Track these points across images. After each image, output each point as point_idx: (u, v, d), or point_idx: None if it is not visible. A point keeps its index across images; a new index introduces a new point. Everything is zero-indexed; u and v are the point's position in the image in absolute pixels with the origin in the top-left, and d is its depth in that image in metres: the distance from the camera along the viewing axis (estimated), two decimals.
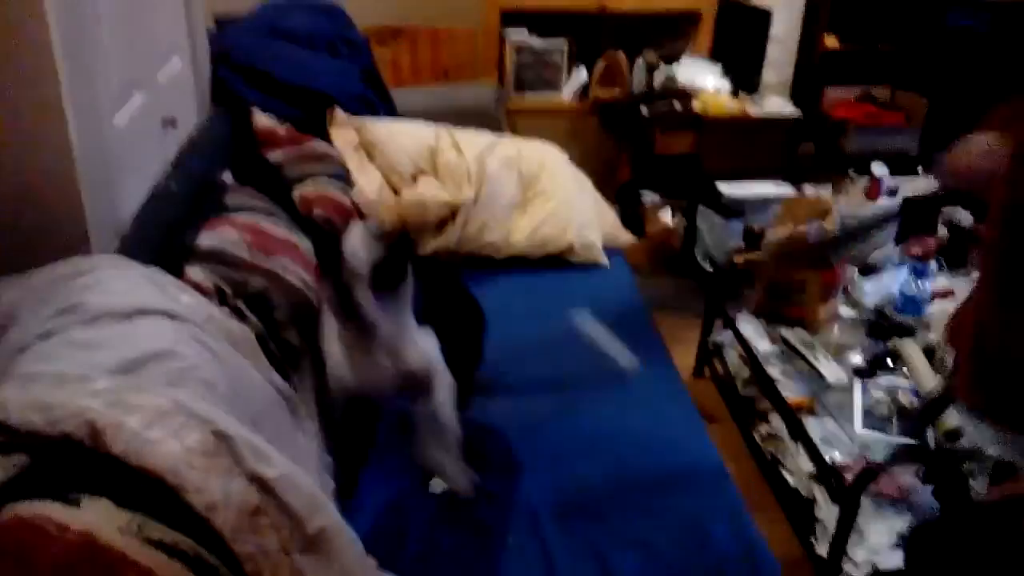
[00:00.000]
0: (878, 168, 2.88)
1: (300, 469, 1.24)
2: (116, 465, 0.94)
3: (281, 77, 2.42)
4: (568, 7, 3.79)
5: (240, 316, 1.47)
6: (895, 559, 1.84)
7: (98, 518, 0.89)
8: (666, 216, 3.55)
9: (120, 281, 1.24)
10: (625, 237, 2.76)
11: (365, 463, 1.69)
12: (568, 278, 2.54)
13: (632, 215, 3.68)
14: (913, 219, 2.88)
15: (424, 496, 1.60)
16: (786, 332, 2.24)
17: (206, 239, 1.59)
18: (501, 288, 2.35)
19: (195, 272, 1.47)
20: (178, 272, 1.46)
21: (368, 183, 2.43)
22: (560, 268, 2.57)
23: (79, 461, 0.94)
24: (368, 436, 1.75)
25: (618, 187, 3.84)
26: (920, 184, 3.20)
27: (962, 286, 2.35)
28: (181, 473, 0.96)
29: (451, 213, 2.50)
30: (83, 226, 1.40)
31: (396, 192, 2.52)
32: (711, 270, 3.24)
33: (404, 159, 2.54)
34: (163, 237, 1.60)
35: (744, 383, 2.45)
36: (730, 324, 2.45)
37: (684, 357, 2.71)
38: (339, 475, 1.55)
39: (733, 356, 2.54)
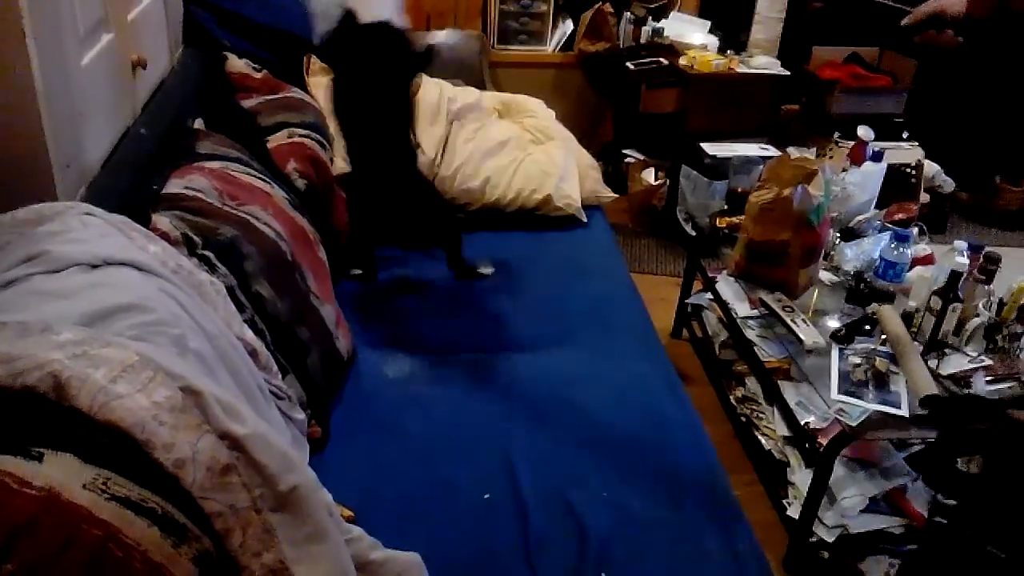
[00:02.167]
0: (864, 132, 2.86)
1: (271, 427, 1.22)
2: (81, 419, 0.91)
3: (257, 19, 2.35)
4: None
5: (210, 267, 1.43)
6: (865, 522, 1.87)
7: (61, 473, 0.86)
8: (649, 175, 3.52)
9: (86, 229, 1.19)
10: (606, 193, 2.73)
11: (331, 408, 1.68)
12: (546, 236, 2.51)
13: (615, 173, 3.65)
14: (895, 184, 2.88)
15: (399, 449, 1.59)
16: (765, 295, 2.22)
17: (175, 186, 1.55)
18: (477, 245, 2.32)
19: (163, 221, 1.42)
20: (146, 220, 1.42)
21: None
22: (538, 225, 2.54)
23: (42, 415, 0.91)
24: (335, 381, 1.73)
25: (602, 145, 3.79)
26: (905, 150, 3.20)
27: (943, 251, 2.34)
28: (149, 429, 0.93)
29: None
30: (48, 170, 1.35)
31: None
32: (693, 232, 3.22)
33: None
34: (132, 183, 1.55)
35: (722, 345, 2.45)
36: (710, 286, 2.44)
37: (663, 318, 2.71)
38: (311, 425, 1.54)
39: (712, 318, 2.53)
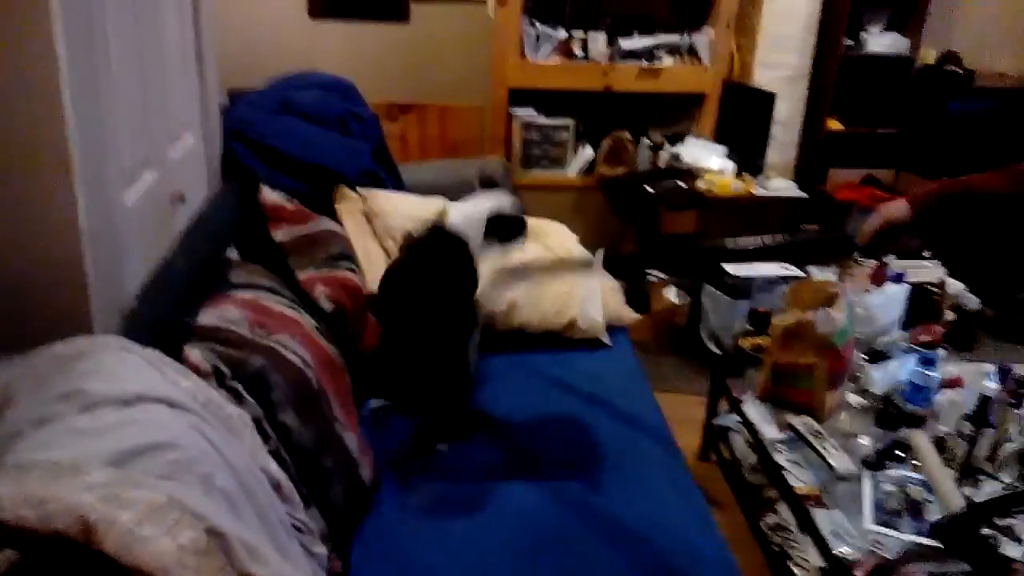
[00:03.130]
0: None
1: (293, 568, 1.22)
2: (107, 563, 0.92)
3: (291, 153, 2.45)
4: (575, 87, 3.86)
5: (238, 398, 1.45)
6: None
7: None
8: (671, 294, 3.55)
9: (120, 366, 1.23)
10: (629, 315, 2.75)
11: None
12: (570, 356, 2.52)
13: (637, 292, 3.68)
14: (919, 304, 2.87)
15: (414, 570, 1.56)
16: (793, 419, 2.20)
17: (207, 317, 1.59)
18: (502, 365, 2.34)
19: (194, 353, 1.46)
20: (179, 351, 1.45)
21: (371, 264, 2.43)
22: (561, 346, 2.56)
23: (71, 557, 0.91)
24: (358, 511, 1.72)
25: (622, 265, 3.85)
26: (927, 270, 3.21)
27: (971, 374, 2.32)
28: (173, 573, 0.93)
29: None
30: (87, 305, 1.39)
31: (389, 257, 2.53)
32: (717, 350, 3.22)
33: (402, 224, 2.56)
34: (166, 314, 1.59)
35: (750, 469, 2.41)
36: (736, 408, 2.42)
37: (689, 439, 2.68)
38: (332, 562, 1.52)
39: (739, 441, 2.50)
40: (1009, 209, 1.64)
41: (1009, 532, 1.81)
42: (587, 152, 4.01)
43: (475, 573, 1.59)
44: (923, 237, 1.98)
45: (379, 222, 2.57)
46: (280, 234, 2.18)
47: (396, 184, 2.89)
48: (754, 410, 2.33)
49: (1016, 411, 2.01)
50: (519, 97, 3.89)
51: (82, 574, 0.91)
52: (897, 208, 1.76)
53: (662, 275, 3.72)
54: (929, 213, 1.72)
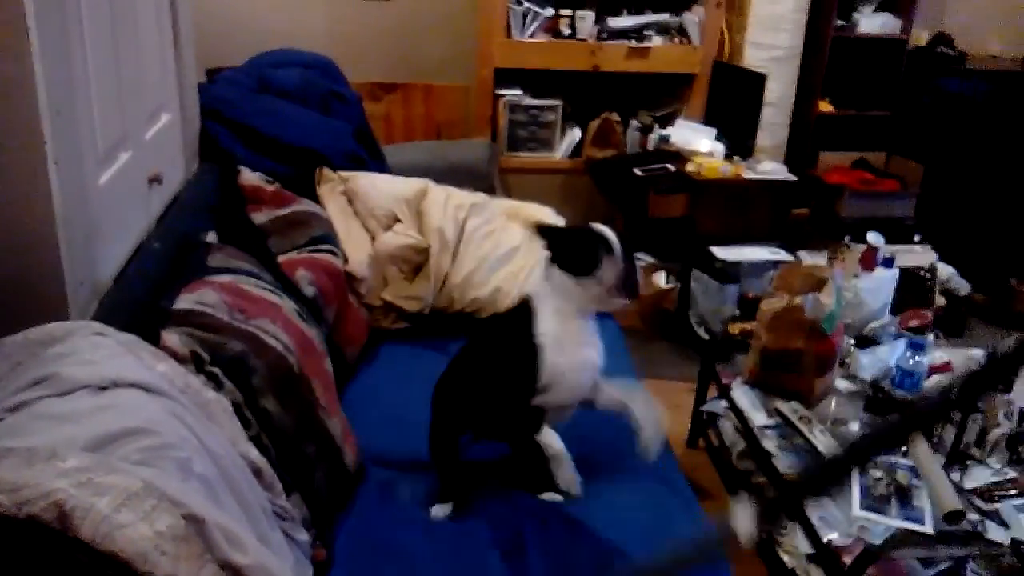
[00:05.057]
0: (873, 238, 2.87)
1: (274, 554, 1.19)
2: (83, 549, 0.90)
3: (271, 133, 2.41)
4: (562, 67, 3.82)
5: (217, 384, 1.42)
6: None
7: None
8: (660, 279, 3.53)
9: (95, 350, 1.19)
10: (616, 301, 2.71)
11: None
12: None
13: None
14: (909, 288, 2.87)
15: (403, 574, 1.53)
16: (781, 404, 2.19)
17: (185, 301, 1.55)
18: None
19: (171, 337, 1.42)
20: (155, 336, 1.42)
21: (354, 245, 2.40)
22: None
23: (46, 544, 0.89)
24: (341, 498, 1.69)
25: None
26: (917, 253, 3.20)
27: (959, 358, 2.31)
28: (151, 560, 0.92)
29: (421, 258, 2.48)
30: (62, 288, 1.36)
31: (373, 239, 2.50)
32: (705, 336, 3.20)
33: (382, 204, 2.53)
34: (143, 298, 1.56)
35: (739, 456, 2.39)
36: (724, 394, 2.40)
37: (678, 426, 2.66)
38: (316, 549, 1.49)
39: (728, 427, 2.49)
40: None
41: (995, 516, 1.81)
42: (575, 134, 3.97)
43: (460, 563, 1.57)
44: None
45: (362, 204, 2.53)
46: (260, 216, 2.14)
47: (380, 166, 2.85)
48: (742, 396, 2.32)
49: (1004, 396, 2.00)
50: (506, 77, 3.84)
51: (58, 560, 0.89)
52: None
53: (651, 259, 3.70)
54: None
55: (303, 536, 1.44)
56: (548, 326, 1.68)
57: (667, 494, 1.82)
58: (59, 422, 1.08)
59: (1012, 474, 1.90)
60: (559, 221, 2.83)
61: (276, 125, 2.43)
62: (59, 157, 1.30)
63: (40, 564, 0.89)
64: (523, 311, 1.71)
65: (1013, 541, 1.73)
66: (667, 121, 3.95)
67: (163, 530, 0.95)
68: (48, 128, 1.27)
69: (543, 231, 1.75)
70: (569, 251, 1.71)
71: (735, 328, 2.58)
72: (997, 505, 1.83)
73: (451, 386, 1.81)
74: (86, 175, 1.44)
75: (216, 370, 1.43)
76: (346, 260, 2.32)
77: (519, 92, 3.91)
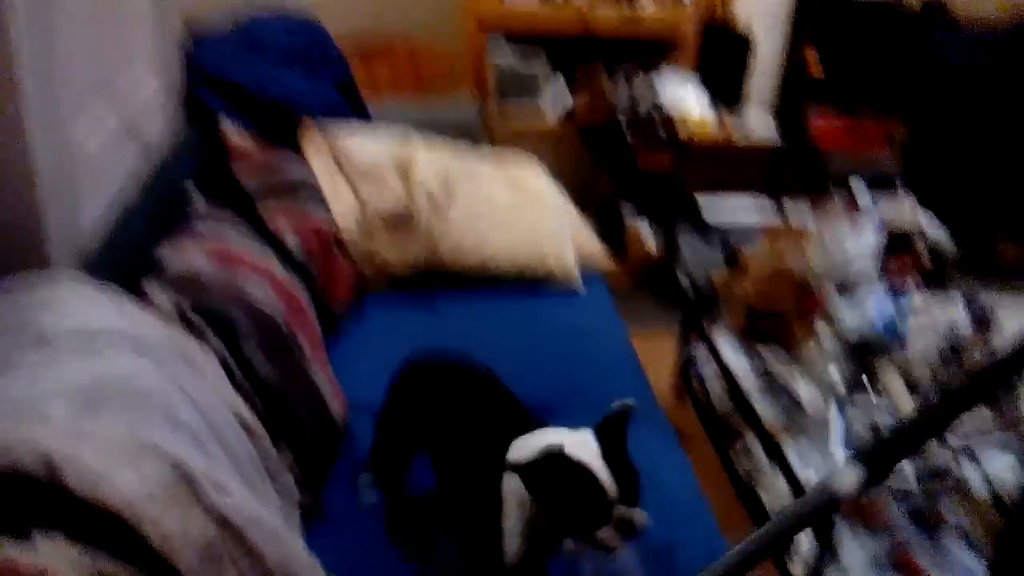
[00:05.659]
0: (859, 190, 2.88)
1: (261, 502, 1.21)
2: (70, 499, 0.91)
3: (254, 91, 2.39)
4: (552, 29, 3.78)
5: (201, 336, 1.43)
6: None
7: (52, 556, 0.86)
8: (646, 233, 3.54)
9: (77, 301, 1.20)
10: (604, 261, 2.73)
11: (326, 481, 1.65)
12: (543, 298, 2.50)
13: (612, 231, 3.67)
14: (892, 238, 2.88)
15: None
16: (764, 353, 2.22)
17: (169, 258, 1.56)
18: (475, 313, 2.32)
19: (155, 291, 1.43)
20: (138, 288, 1.42)
21: (340, 203, 2.39)
22: (534, 287, 2.54)
23: (32, 494, 0.90)
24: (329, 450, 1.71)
25: (599, 203, 3.82)
26: (902, 208, 3.21)
27: (940, 306, 2.34)
28: (138, 508, 0.93)
29: (408, 217, 2.47)
30: (42, 242, 1.36)
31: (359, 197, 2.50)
32: (691, 288, 3.22)
33: (369, 162, 2.52)
34: (126, 254, 1.56)
35: (722, 404, 2.43)
36: (709, 346, 2.43)
37: (663, 377, 2.70)
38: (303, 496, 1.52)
39: (712, 377, 2.52)
40: None
41: (968, 452, 1.85)
42: (563, 92, 3.94)
43: None
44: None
45: (348, 161, 2.52)
46: (244, 174, 2.13)
47: (365, 122, 2.83)
48: (727, 347, 2.35)
49: (982, 340, 2.03)
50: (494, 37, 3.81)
51: (45, 510, 0.90)
52: None
53: (637, 214, 3.70)
54: None
55: (291, 486, 1.47)
56: None
57: (652, 442, 1.85)
58: (42, 372, 1.08)
59: (987, 416, 1.93)
60: (545, 177, 2.83)
61: (259, 81, 2.42)
62: (38, 111, 1.30)
63: (28, 514, 0.89)
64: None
65: (987, 479, 1.77)
66: (655, 73, 3.92)
67: (150, 478, 0.96)
68: (26, 79, 1.26)
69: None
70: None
71: (720, 280, 2.59)
72: (972, 445, 1.87)
73: None
74: (65, 127, 1.44)
75: (200, 323, 1.44)
76: (332, 218, 2.32)
77: (507, 52, 3.88)
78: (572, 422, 1.88)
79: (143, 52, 1.99)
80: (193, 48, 2.42)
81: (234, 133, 2.18)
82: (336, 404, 1.75)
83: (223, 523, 1.01)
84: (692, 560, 1.53)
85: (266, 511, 1.16)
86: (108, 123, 1.67)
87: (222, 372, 1.39)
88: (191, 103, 2.28)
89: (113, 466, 0.94)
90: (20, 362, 1.07)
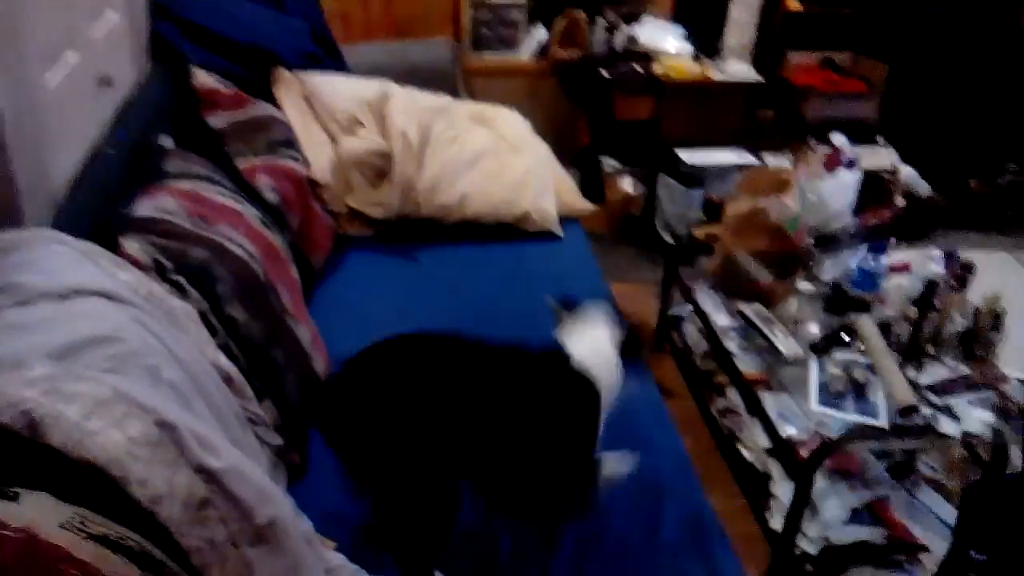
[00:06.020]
0: (837, 138, 2.87)
1: (248, 458, 1.20)
2: (55, 457, 0.89)
3: (224, 32, 2.30)
4: None
5: (181, 291, 1.40)
6: (848, 534, 1.87)
7: (38, 513, 0.85)
8: (626, 183, 3.52)
9: (55, 259, 1.17)
10: (583, 206, 2.71)
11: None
12: (522, 248, 2.48)
13: (591, 181, 3.64)
14: (870, 189, 2.89)
15: None
16: (744, 306, 2.23)
17: (144, 208, 1.51)
18: (453, 260, 2.31)
19: (132, 245, 1.39)
20: (114, 244, 1.38)
21: (315, 150, 2.34)
22: (514, 237, 2.52)
23: (16, 452, 0.89)
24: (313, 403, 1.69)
25: (577, 152, 3.79)
26: (880, 155, 3.22)
27: (918, 260, 2.36)
28: (124, 465, 0.91)
29: (385, 163, 2.43)
30: (15, 196, 1.32)
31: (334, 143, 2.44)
32: (671, 240, 3.22)
33: (343, 107, 2.46)
34: (99, 205, 1.51)
35: (702, 356, 2.45)
36: (688, 297, 2.44)
37: (644, 328, 2.70)
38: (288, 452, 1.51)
39: (692, 329, 2.54)
40: None
41: (947, 411, 1.88)
42: (540, 33, 3.86)
43: None
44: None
45: (322, 107, 2.46)
46: (216, 120, 2.07)
47: (338, 66, 2.76)
48: (706, 298, 2.36)
49: (960, 295, 2.06)
50: None
51: (28, 469, 0.88)
52: None
53: (616, 163, 3.67)
54: None
55: (276, 441, 1.46)
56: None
57: (633, 394, 1.86)
58: (22, 332, 1.06)
59: (965, 371, 1.97)
60: (525, 124, 2.79)
61: (228, 23, 2.33)
62: (2, 58, 1.24)
63: (12, 472, 0.88)
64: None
65: (964, 434, 1.81)
66: (634, 19, 3.86)
67: (135, 436, 0.94)
68: None
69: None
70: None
71: (700, 232, 2.59)
72: (950, 400, 1.91)
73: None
74: (31, 77, 1.38)
75: (180, 278, 1.41)
76: (308, 165, 2.27)
77: None
78: None
79: None
80: None
81: (205, 79, 2.11)
82: (318, 358, 1.73)
83: (209, 479, 1.00)
84: (673, 505, 1.55)
85: (252, 467, 1.15)
86: (78, 73, 1.60)
87: (204, 329, 1.36)
88: (157, 43, 2.19)
89: (97, 424, 0.92)
90: (1, 323, 1.04)
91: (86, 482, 0.89)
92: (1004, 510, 1.67)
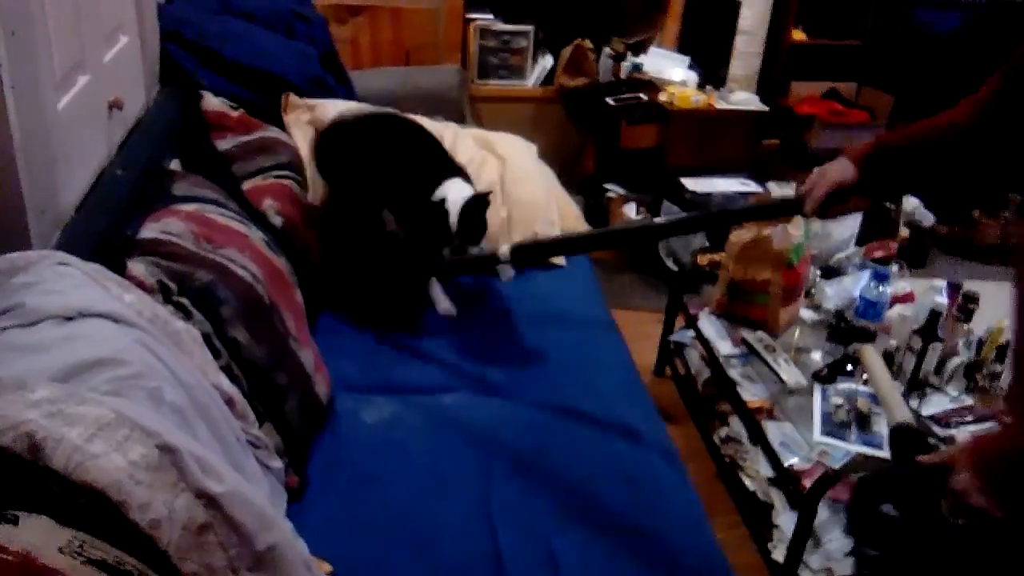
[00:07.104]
0: None
1: (249, 482, 1.20)
2: (56, 480, 0.89)
3: (234, 58, 2.33)
4: None
5: (185, 314, 1.41)
6: (851, 566, 1.85)
7: (37, 537, 0.85)
8: (630, 211, 3.53)
9: (61, 280, 1.17)
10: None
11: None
12: (526, 273, 2.47)
13: (596, 208, 3.66)
14: (874, 219, 2.90)
15: (377, 498, 1.56)
16: (747, 334, 2.23)
17: (150, 230, 1.52)
18: (457, 286, 2.31)
19: (138, 267, 1.40)
20: (121, 266, 1.39)
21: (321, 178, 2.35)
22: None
23: (17, 475, 0.89)
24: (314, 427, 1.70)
25: (582, 179, 3.81)
26: None
27: (922, 290, 2.36)
28: (124, 489, 0.91)
29: None
30: (23, 217, 1.33)
31: None
32: (674, 267, 3.23)
33: None
34: (107, 227, 1.52)
35: (705, 384, 2.44)
36: (692, 324, 2.44)
37: (646, 355, 2.70)
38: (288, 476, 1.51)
39: (694, 356, 2.53)
40: (970, 143, 1.53)
41: (952, 442, 1.87)
42: (547, 61, 3.90)
43: (432, 489, 1.59)
44: (872, 197, 1.84)
45: None
46: (224, 144, 2.09)
47: (347, 92, 2.78)
48: (709, 326, 2.35)
49: (964, 326, 2.05)
50: (476, 0, 3.75)
51: (29, 492, 0.88)
52: (842, 170, 1.64)
53: (621, 191, 3.69)
54: (875, 170, 1.60)
55: (277, 464, 1.46)
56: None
57: (636, 420, 1.86)
58: (26, 353, 1.06)
59: (969, 401, 1.96)
60: (531, 152, 2.81)
61: (239, 48, 2.35)
62: (15, 82, 1.25)
63: (13, 495, 0.88)
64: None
65: None
66: (640, 49, 3.89)
67: (137, 460, 0.94)
68: (3, 51, 1.21)
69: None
70: None
71: (703, 259, 2.60)
72: (954, 431, 1.90)
73: None
74: (44, 100, 1.39)
75: (184, 300, 1.42)
76: (307, 190, 2.28)
77: (490, 16, 3.82)
78: (557, 392, 1.90)
79: (122, 20, 1.92)
80: (170, 11, 2.35)
81: (215, 103, 2.13)
82: (320, 380, 1.74)
83: (210, 504, 1.00)
84: (674, 534, 1.54)
85: (252, 491, 1.14)
86: (89, 97, 1.62)
87: (208, 352, 1.37)
88: (167, 67, 2.22)
89: (99, 447, 0.92)
90: (5, 343, 1.05)
91: (86, 505, 0.89)
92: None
